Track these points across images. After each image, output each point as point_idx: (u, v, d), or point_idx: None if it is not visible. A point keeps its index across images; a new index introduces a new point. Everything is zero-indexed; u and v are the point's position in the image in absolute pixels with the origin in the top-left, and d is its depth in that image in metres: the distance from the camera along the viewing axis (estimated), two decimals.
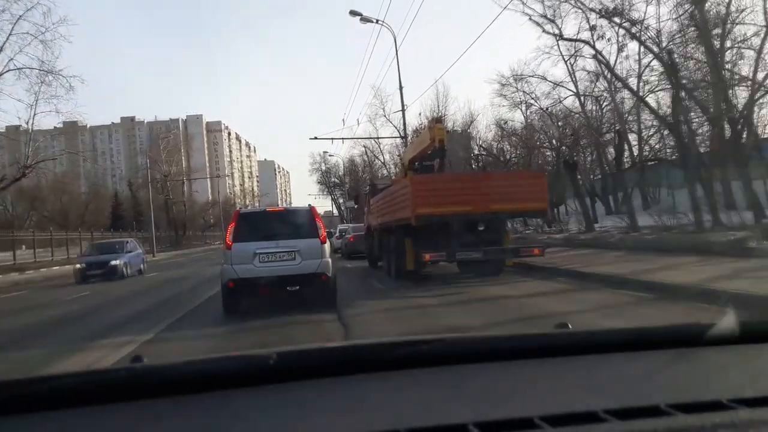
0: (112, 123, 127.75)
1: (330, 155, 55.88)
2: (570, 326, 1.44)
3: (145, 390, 1.08)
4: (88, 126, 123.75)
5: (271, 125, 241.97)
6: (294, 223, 8.90)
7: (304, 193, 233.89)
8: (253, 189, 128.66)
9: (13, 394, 1.06)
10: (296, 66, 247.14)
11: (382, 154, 46.55)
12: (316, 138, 32.60)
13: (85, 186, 71.33)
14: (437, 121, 13.20)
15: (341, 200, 62.80)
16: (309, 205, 9.42)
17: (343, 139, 41.81)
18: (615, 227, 18.56)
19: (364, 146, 47.52)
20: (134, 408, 1.04)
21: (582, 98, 28.70)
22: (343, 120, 46.46)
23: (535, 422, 0.89)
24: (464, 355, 1.25)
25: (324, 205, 72.95)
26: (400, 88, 26.72)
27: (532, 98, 30.02)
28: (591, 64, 28.15)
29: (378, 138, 40.60)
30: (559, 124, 29.59)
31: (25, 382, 1.12)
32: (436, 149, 12.75)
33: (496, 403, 1.03)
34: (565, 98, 29.13)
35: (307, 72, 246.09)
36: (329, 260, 8.65)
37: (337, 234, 28.09)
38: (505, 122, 33.03)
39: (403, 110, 27.72)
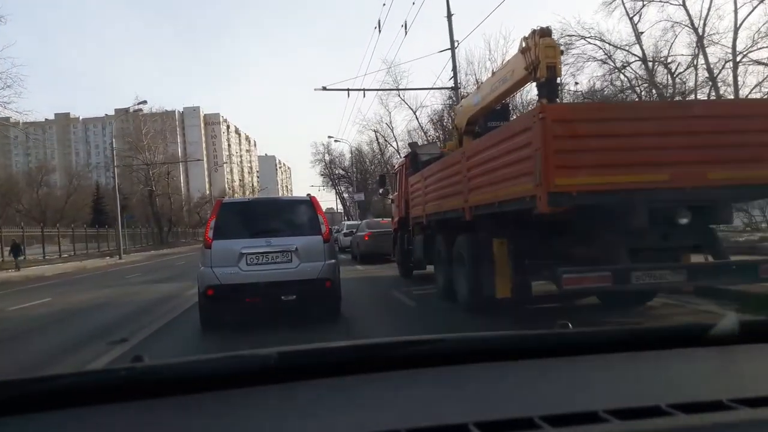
0: (106, 115, 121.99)
1: (335, 140, 48.82)
2: (570, 326, 1.40)
3: (145, 390, 1.07)
4: (80, 118, 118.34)
5: (274, 123, 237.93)
6: (290, 217, 7.52)
7: (305, 189, 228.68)
8: (252, 183, 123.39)
9: (13, 394, 1.05)
10: (299, 57, 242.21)
11: (396, 141, 40.56)
12: (324, 89, 22.77)
13: (74, 180, 65.84)
14: (542, 34, 6.89)
15: (345, 195, 56.66)
16: (308, 194, 7.88)
17: (364, 90, 26.72)
18: None
19: (375, 131, 41.67)
20: (134, 408, 1.04)
21: (652, 64, 22.77)
22: (378, 27, 31.53)
23: (535, 422, 0.88)
24: (465, 355, 1.23)
25: (327, 200, 67.14)
26: (449, 16, 19.77)
27: (605, 54, 23.61)
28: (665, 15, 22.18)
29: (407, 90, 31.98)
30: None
31: (25, 382, 1.12)
32: (542, 83, 6.83)
33: (496, 403, 1.03)
34: (631, 63, 23.26)
35: (309, 54, 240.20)
36: (334, 262, 7.26)
37: (345, 231, 22.24)
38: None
39: (452, 48, 20.21)
